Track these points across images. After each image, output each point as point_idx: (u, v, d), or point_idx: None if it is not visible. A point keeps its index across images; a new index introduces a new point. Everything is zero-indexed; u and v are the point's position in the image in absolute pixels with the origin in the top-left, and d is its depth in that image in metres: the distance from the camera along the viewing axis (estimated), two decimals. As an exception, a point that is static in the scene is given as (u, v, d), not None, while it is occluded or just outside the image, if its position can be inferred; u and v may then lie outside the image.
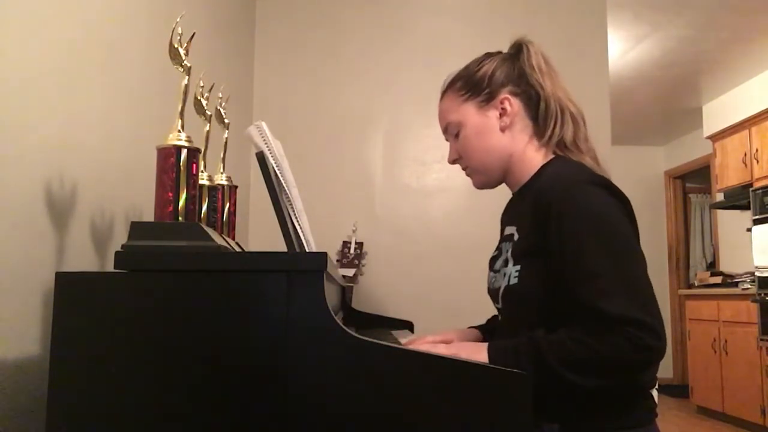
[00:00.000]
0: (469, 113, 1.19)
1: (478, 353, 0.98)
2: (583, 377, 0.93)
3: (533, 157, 1.17)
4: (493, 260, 1.22)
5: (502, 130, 1.18)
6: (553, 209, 1.02)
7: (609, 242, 0.99)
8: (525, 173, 1.18)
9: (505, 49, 1.25)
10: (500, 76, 1.19)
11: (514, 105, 1.17)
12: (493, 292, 1.18)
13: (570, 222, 1.00)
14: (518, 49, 1.22)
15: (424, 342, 1.13)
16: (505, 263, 1.12)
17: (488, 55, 1.23)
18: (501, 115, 1.18)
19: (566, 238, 1.00)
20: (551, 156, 1.17)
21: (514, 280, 1.07)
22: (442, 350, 1.01)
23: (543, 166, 1.16)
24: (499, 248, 1.21)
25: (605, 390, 0.99)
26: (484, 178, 1.23)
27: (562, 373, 0.93)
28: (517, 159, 1.18)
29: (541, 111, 1.18)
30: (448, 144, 1.26)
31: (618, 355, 0.93)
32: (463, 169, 1.25)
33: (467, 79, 1.21)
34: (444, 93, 1.25)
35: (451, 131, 1.23)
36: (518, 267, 1.08)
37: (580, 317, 0.96)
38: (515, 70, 1.19)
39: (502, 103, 1.17)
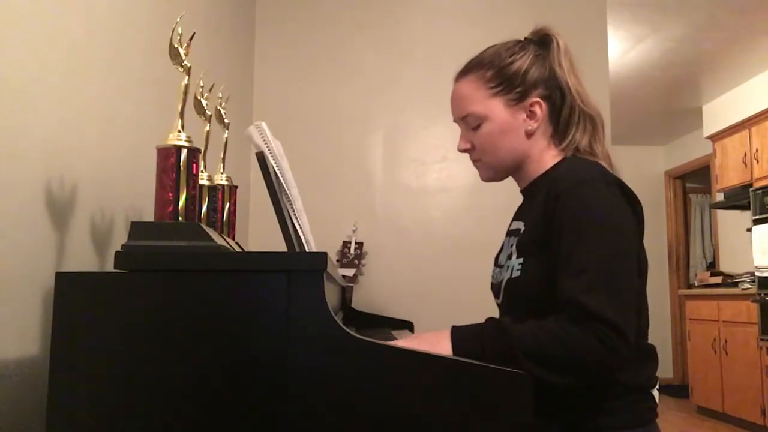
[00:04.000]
0: (497, 110, 1.13)
1: (440, 342, 0.97)
2: (548, 371, 0.92)
3: (549, 161, 1.15)
4: (497, 256, 1.21)
5: (527, 134, 1.14)
6: (560, 201, 1.02)
7: (606, 240, 0.98)
8: (537, 173, 1.15)
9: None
10: (534, 75, 1.13)
11: (543, 109, 1.13)
12: (495, 287, 1.17)
13: (574, 215, 1.00)
14: (545, 39, 1.17)
15: None
16: (509, 257, 1.12)
17: (520, 46, 1.16)
18: (528, 118, 1.13)
19: (566, 230, 0.99)
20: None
21: (516, 273, 1.07)
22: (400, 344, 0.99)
23: (556, 164, 1.13)
24: (504, 244, 1.19)
25: (606, 389, 0.99)
26: (492, 174, 1.19)
27: (528, 365, 0.90)
28: (533, 161, 1.15)
29: (563, 116, 1.14)
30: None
31: (584, 350, 0.92)
32: (473, 160, 1.20)
33: (499, 71, 1.13)
34: (466, 75, 1.17)
35: (471, 122, 1.15)
36: (521, 260, 1.07)
37: (560, 308, 0.96)
38: (547, 69, 1.14)
39: (531, 106, 1.13)
